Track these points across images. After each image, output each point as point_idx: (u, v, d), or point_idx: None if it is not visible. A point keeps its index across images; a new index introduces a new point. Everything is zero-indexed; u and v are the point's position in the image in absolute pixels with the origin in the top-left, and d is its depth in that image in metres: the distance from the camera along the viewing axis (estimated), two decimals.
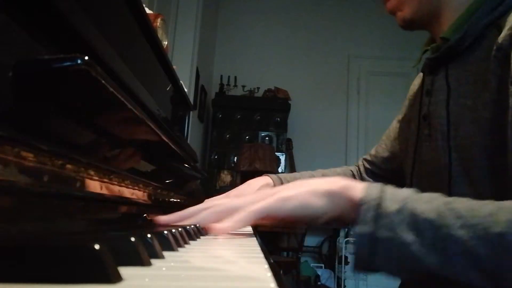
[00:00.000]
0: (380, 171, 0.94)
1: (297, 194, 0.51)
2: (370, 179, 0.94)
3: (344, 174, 0.96)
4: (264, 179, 0.90)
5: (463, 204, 0.43)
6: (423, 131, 0.70)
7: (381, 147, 0.95)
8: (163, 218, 0.58)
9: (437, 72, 0.68)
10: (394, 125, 0.92)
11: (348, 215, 0.48)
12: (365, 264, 0.44)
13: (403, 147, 0.82)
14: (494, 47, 0.57)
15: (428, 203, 0.43)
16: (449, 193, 0.60)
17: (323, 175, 0.94)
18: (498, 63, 0.56)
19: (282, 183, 0.89)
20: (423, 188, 0.71)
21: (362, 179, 0.95)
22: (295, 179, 0.91)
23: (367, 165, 0.97)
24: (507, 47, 0.55)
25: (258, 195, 0.54)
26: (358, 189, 0.48)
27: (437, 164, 0.65)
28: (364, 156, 1.00)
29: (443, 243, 0.40)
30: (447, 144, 0.63)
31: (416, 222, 0.42)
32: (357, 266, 0.45)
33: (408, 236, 0.42)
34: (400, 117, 0.88)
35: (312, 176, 0.92)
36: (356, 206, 0.46)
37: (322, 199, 0.50)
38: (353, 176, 0.96)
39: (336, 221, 0.51)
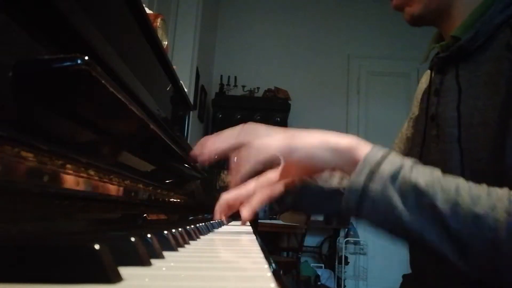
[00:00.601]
0: None
1: (305, 142, 0.53)
2: None
3: None
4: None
5: (453, 182, 0.46)
6: (431, 131, 0.68)
7: (394, 150, 0.92)
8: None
9: (446, 71, 0.66)
10: (405, 125, 0.88)
11: (349, 171, 0.51)
12: (351, 210, 0.49)
13: (410, 147, 0.80)
14: (505, 48, 0.56)
15: (423, 173, 0.47)
16: None
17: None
18: (510, 64, 0.55)
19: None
20: None
21: None
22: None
23: None
24: None
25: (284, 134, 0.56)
26: (364, 150, 0.51)
27: (444, 166, 0.63)
28: None
29: (424, 210, 0.44)
30: (458, 146, 0.60)
31: (405, 186, 0.46)
32: (343, 209, 0.49)
33: (395, 196, 0.46)
34: (409, 116, 0.86)
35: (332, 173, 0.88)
36: (357, 163, 0.49)
37: (328, 153, 0.53)
38: None
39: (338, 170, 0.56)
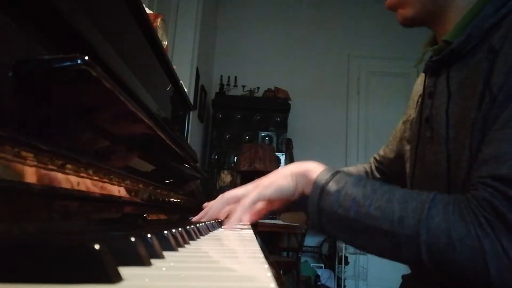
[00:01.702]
0: (388, 171, 0.94)
1: (271, 181, 0.68)
2: (380, 177, 0.95)
3: (357, 171, 0.97)
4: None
5: (385, 189, 0.57)
6: (425, 133, 0.69)
7: (388, 148, 0.94)
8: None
9: (439, 74, 0.67)
10: (400, 126, 0.91)
11: (307, 192, 0.63)
12: (316, 227, 0.61)
13: (406, 149, 0.81)
14: (487, 49, 0.56)
15: (361, 186, 0.58)
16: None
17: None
18: (488, 64, 0.55)
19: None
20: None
21: (373, 177, 0.96)
22: None
23: (376, 164, 0.97)
24: (497, 49, 0.55)
25: (247, 189, 0.72)
26: (316, 173, 0.63)
27: (438, 168, 0.64)
28: (374, 155, 0.99)
29: (361, 218, 0.55)
30: (445, 148, 0.62)
31: (346, 201, 0.57)
32: (312, 227, 0.62)
33: (340, 210, 0.57)
34: (404, 118, 0.87)
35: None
36: (311, 185, 0.62)
37: (289, 179, 0.66)
38: (366, 173, 0.97)
39: (303, 197, 0.66)
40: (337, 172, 0.62)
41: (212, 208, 0.77)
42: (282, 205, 0.72)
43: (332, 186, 0.59)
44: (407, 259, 0.54)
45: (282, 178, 0.67)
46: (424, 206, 0.52)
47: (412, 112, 0.82)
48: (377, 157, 0.97)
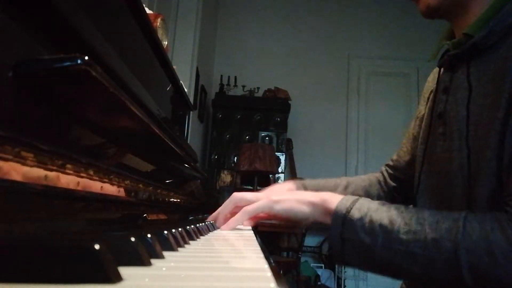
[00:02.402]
0: (404, 176, 0.88)
1: (285, 199, 0.65)
2: (396, 185, 0.89)
3: (369, 182, 0.92)
4: (288, 185, 0.89)
5: (411, 211, 0.55)
6: (437, 129, 0.67)
7: (402, 150, 0.89)
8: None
9: (456, 69, 0.65)
10: (412, 125, 0.87)
11: (325, 221, 0.62)
12: (338, 258, 0.58)
13: (416, 146, 0.79)
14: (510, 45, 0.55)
15: (384, 211, 0.56)
16: (469, 194, 0.58)
17: (348, 183, 0.90)
18: None
19: (306, 189, 0.87)
20: (431, 188, 0.70)
21: (387, 186, 0.90)
22: (319, 186, 0.89)
23: (390, 171, 0.91)
24: None
25: (257, 196, 0.70)
26: (335, 202, 0.61)
27: (450, 165, 0.62)
28: (387, 162, 0.94)
29: (391, 244, 0.53)
30: (465, 144, 0.60)
31: (372, 228, 0.55)
32: (333, 260, 0.60)
33: (366, 238, 0.55)
34: (416, 116, 0.85)
35: (337, 183, 0.90)
36: (331, 214, 0.60)
37: (305, 207, 0.64)
38: (379, 183, 0.91)
39: (315, 224, 0.64)
40: (357, 199, 0.60)
41: (223, 206, 0.76)
42: (287, 222, 0.71)
43: (355, 214, 0.57)
44: (445, 282, 0.52)
45: (297, 203, 0.64)
46: (458, 225, 0.50)
47: (422, 109, 0.80)
48: (391, 163, 0.92)
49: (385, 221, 0.54)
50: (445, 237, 0.50)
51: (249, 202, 0.71)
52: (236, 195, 0.75)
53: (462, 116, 0.61)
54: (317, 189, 0.87)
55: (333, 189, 0.87)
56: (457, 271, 0.49)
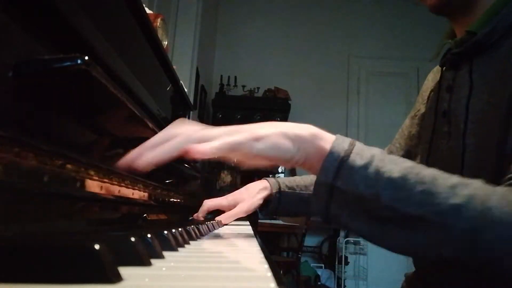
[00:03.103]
0: None
1: (268, 134, 0.48)
2: None
3: None
4: (262, 183, 0.91)
5: (428, 171, 0.44)
6: (441, 128, 0.67)
7: (394, 146, 0.90)
8: (122, 162, 0.46)
9: (459, 67, 0.65)
10: (407, 122, 0.87)
11: (314, 163, 0.47)
12: (321, 212, 0.46)
13: (415, 144, 0.79)
14: None
15: (395, 164, 0.44)
16: None
17: None
18: None
19: (279, 187, 0.89)
20: None
21: None
22: (295, 182, 0.91)
23: None
24: None
25: (230, 129, 0.48)
26: (328, 139, 0.48)
27: (454, 163, 0.62)
28: None
29: (398, 204, 0.42)
30: (461, 142, 0.60)
31: (379, 180, 0.43)
32: (314, 212, 0.47)
33: (366, 192, 0.43)
34: (412, 113, 0.85)
35: (313, 180, 0.89)
36: (322, 155, 0.46)
37: (291, 142, 0.48)
38: None
39: (303, 167, 0.49)
40: (354, 141, 0.48)
41: (160, 147, 0.47)
42: (269, 162, 0.53)
43: (356, 160, 0.44)
44: (443, 257, 0.43)
45: (280, 136, 0.48)
46: (486, 194, 0.42)
47: (421, 107, 0.80)
48: None
49: (396, 174, 0.43)
50: (471, 206, 0.41)
51: (200, 140, 0.48)
52: (205, 202, 0.85)
53: (463, 114, 0.61)
54: (292, 185, 0.91)
55: (311, 185, 0.88)
56: (470, 245, 0.40)
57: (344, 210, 0.45)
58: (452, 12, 0.67)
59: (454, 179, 0.43)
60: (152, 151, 0.45)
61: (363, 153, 0.45)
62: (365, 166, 0.44)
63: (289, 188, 0.90)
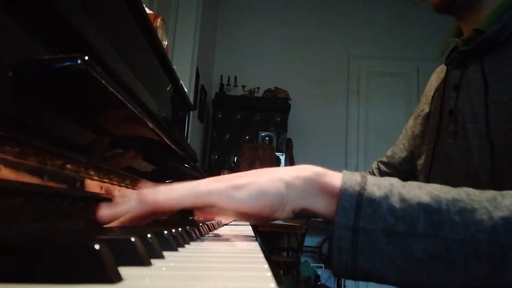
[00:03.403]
0: (398, 174, 0.86)
1: (253, 181, 0.41)
2: None
3: None
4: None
5: (458, 190, 0.38)
6: (448, 127, 0.66)
7: (398, 147, 0.88)
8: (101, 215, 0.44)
9: (467, 65, 0.64)
10: (411, 123, 0.86)
11: (322, 205, 0.40)
12: (346, 265, 0.37)
13: (419, 144, 0.79)
14: None
15: (419, 188, 0.39)
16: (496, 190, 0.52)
17: None
18: None
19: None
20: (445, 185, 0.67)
21: None
22: None
23: (383, 168, 0.90)
24: None
25: (210, 180, 0.43)
26: (334, 175, 0.41)
27: (467, 163, 0.60)
28: (379, 159, 0.93)
29: (438, 231, 0.36)
30: (487, 142, 0.58)
31: (407, 209, 0.36)
32: (337, 267, 0.38)
33: (397, 224, 0.36)
34: (416, 114, 0.84)
35: None
36: (332, 194, 0.39)
37: (285, 186, 0.40)
38: None
39: (303, 213, 0.42)
40: (364, 173, 0.42)
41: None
42: (252, 220, 0.46)
43: (374, 191, 0.38)
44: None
45: (272, 182, 0.40)
46: None
47: (425, 107, 0.79)
48: (385, 160, 0.91)
49: (425, 198, 0.37)
50: None
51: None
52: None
53: (476, 113, 0.60)
54: None
55: None
56: None
57: (375, 256, 0.36)
58: (457, 10, 0.67)
59: (488, 192, 0.38)
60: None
61: (379, 183, 0.39)
62: (387, 196, 0.37)
63: None
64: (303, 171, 0.41)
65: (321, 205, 0.41)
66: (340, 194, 0.38)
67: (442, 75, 0.73)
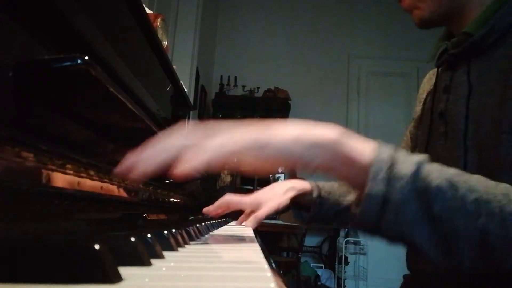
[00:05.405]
0: None
1: (277, 141, 0.41)
2: None
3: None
4: (291, 183, 0.84)
5: (477, 179, 0.41)
6: (438, 129, 0.67)
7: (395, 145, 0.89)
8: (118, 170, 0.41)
9: (456, 68, 0.65)
10: (410, 126, 0.86)
11: (345, 173, 0.42)
12: (369, 226, 0.41)
13: (413, 146, 0.79)
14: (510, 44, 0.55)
15: (440, 171, 0.40)
16: None
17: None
18: None
19: (320, 191, 0.83)
20: None
21: None
22: (332, 188, 0.85)
23: None
24: None
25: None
26: (358, 146, 0.42)
27: (454, 164, 0.61)
28: None
29: (452, 215, 0.38)
30: (463, 144, 0.59)
31: (427, 189, 0.38)
32: (359, 226, 0.42)
33: (417, 203, 0.38)
34: (413, 117, 0.84)
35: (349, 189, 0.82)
36: (358, 166, 0.41)
37: (305, 149, 0.41)
38: None
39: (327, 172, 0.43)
40: (396, 147, 0.43)
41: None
42: (273, 169, 0.45)
43: (404, 167, 0.39)
44: None
45: (298, 145, 0.41)
46: None
47: (418, 110, 0.80)
48: None
49: (443, 181, 0.39)
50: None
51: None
52: (227, 195, 0.81)
53: (462, 114, 0.61)
54: (331, 191, 0.84)
55: (346, 193, 0.84)
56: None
57: (394, 222, 0.39)
58: (440, 24, 0.68)
59: (503, 185, 0.40)
60: (147, 161, 0.42)
61: (408, 160, 0.40)
62: (414, 174, 0.39)
63: (329, 193, 0.84)
64: (322, 134, 0.42)
65: (343, 172, 0.42)
66: (370, 168, 0.40)
67: (434, 77, 0.73)
